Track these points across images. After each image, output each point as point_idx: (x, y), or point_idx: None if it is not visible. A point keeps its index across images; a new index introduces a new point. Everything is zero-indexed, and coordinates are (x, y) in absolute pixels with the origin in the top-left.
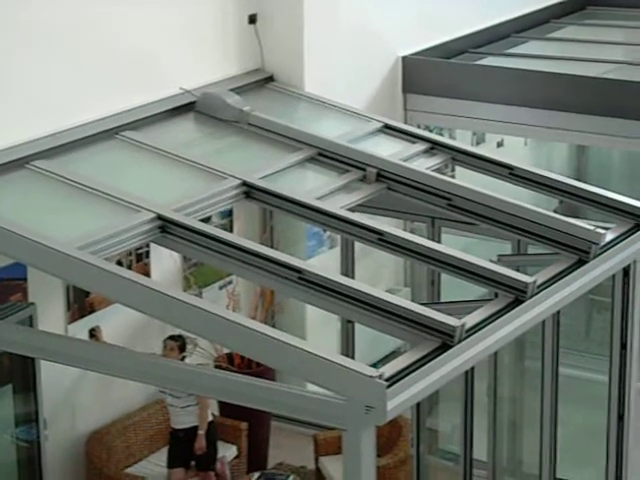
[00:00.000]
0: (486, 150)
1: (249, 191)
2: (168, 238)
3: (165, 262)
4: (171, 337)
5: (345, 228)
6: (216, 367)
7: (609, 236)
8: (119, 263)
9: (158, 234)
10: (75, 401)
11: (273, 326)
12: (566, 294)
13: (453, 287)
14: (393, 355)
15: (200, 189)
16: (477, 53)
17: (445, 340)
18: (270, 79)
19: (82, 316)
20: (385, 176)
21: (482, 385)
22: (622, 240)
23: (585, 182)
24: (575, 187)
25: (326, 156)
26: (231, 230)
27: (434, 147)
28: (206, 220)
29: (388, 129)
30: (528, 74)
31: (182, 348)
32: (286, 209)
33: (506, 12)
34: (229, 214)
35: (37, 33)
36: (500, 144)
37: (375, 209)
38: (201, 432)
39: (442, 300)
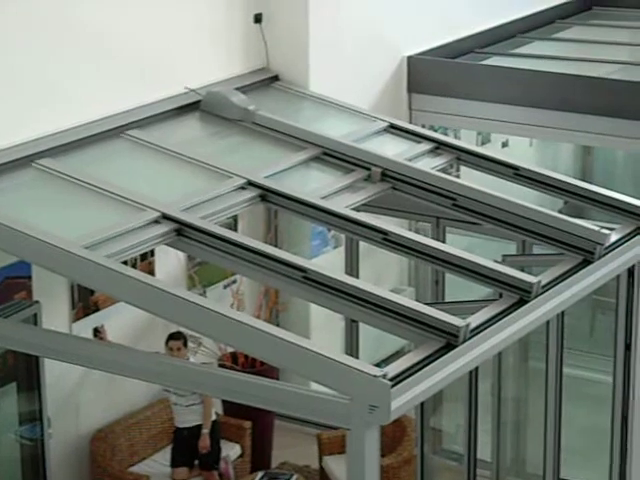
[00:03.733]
0: (491, 150)
1: (264, 194)
2: (180, 240)
3: (170, 261)
4: (172, 337)
5: (350, 227)
6: (220, 366)
7: (614, 237)
8: (124, 262)
9: (174, 237)
10: (79, 400)
11: (277, 325)
12: (571, 294)
13: (457, 287)
14: (397, 355)
15: (205, 188)
16: (482, 53)
17: (449, 340)
18: (275, 78)
19: (86, 315)
20: (390, 176)
21: (486, 385)
22: (627, 241)
23: (590, 183)
24: (580, 187)
25: (331, 155)
26: (236, 229)
27: (439, 147)
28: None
29: (393, 129)
30: (533, 74)
31: (185, 344)
32: (291, 208)
33: (512, 12)
34: None
35: (42, 33)
36: (505, 144)
37: (380, 209)
38: (205, 431)
39: (446, 300)
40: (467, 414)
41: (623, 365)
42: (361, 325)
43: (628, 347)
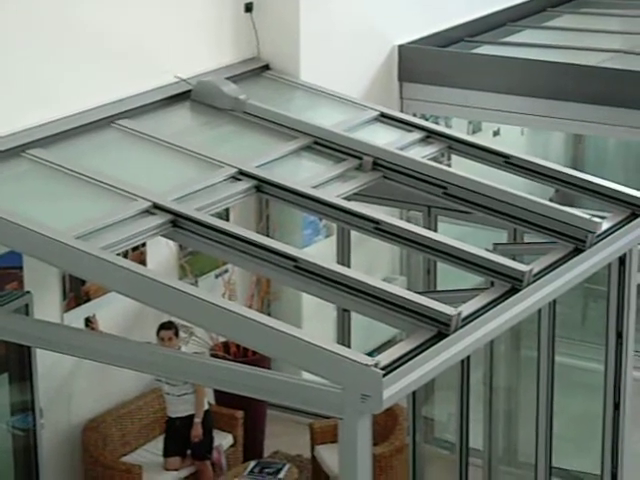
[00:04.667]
0: (482, 139)
1: (259, 185)
2: (176, 231)
3: (161, 251)
4: (163, 326)
5: (341, 217)
6: (212, 356)
7: (605, 225)
8: None
9: (170, 228)
10: (71, 390)
11: (269, 314)
12: (562, 283)
13: (449, 276)
14: (389, 344)
15: (196, 178)
16: (473, 42)
17: (441, 329)
18: (266, 67)
19: (78, 305)
20: (381, 165)
21: (478, 374)
22: (618, 229)
23: (581, 171)
24: (571, 176)
25: (322, 145)
26: (227, 219)
27: (430, 136)
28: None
29: (384, 118)
30: (524, 63)
31: (176, 333)
32: (282, 198)
33: (502, 1)
34: None
35: (32, 23)
36: (496, 133)
37: (371, 198)
38: (197, 420)
39: (438, 289)
40: (459, 403)
41: (615, 353)
42: (353, 314)
43: (619, 335)
